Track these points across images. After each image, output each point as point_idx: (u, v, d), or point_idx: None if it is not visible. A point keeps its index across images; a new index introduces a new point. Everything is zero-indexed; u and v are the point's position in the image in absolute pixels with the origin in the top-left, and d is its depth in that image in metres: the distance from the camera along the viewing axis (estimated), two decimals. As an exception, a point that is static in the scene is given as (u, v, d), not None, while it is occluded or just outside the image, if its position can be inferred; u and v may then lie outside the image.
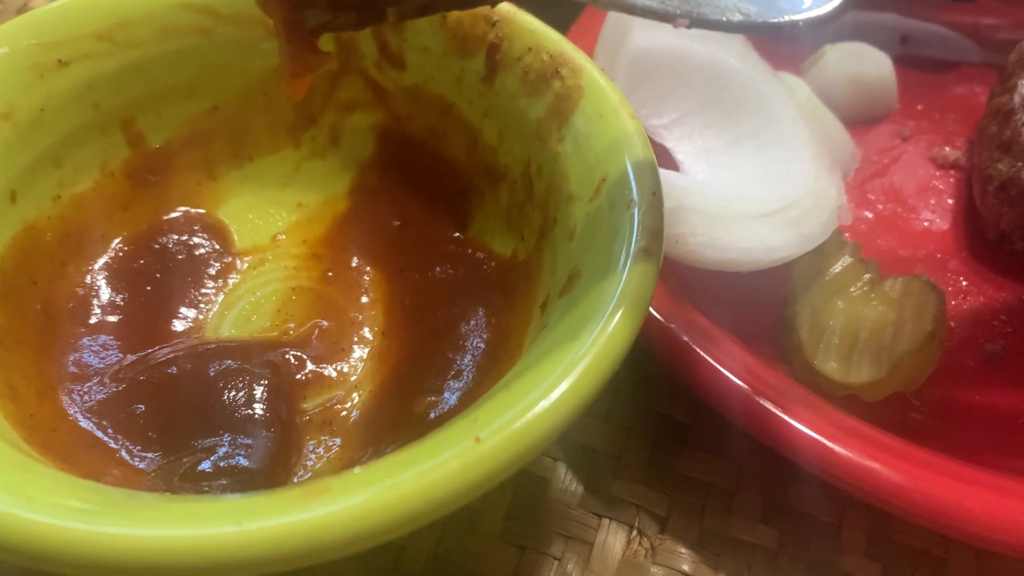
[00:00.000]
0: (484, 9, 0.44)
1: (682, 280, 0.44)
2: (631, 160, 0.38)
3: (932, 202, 0.53)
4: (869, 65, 0.57)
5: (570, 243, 0.39)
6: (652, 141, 0.50)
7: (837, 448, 0.36)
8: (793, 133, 0.49)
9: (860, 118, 0.57)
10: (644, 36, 0.51)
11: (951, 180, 0.54)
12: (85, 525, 0.26)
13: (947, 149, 0.55)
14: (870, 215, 0.52)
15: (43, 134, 0.42)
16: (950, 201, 0.53)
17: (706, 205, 0.43)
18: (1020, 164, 0.48)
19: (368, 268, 0.47)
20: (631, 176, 0.38)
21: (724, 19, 0.32)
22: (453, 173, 0.48)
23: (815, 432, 0.37)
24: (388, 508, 0.27)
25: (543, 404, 0.30)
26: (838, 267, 0.45)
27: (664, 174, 0.44)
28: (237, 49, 0.46)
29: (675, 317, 0.41)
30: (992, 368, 0.46)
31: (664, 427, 0.45)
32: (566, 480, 0.43)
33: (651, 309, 0.42)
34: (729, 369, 0.39)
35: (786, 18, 0.32)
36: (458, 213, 0.47)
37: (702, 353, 0.40)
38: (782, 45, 0.59)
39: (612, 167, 0.38)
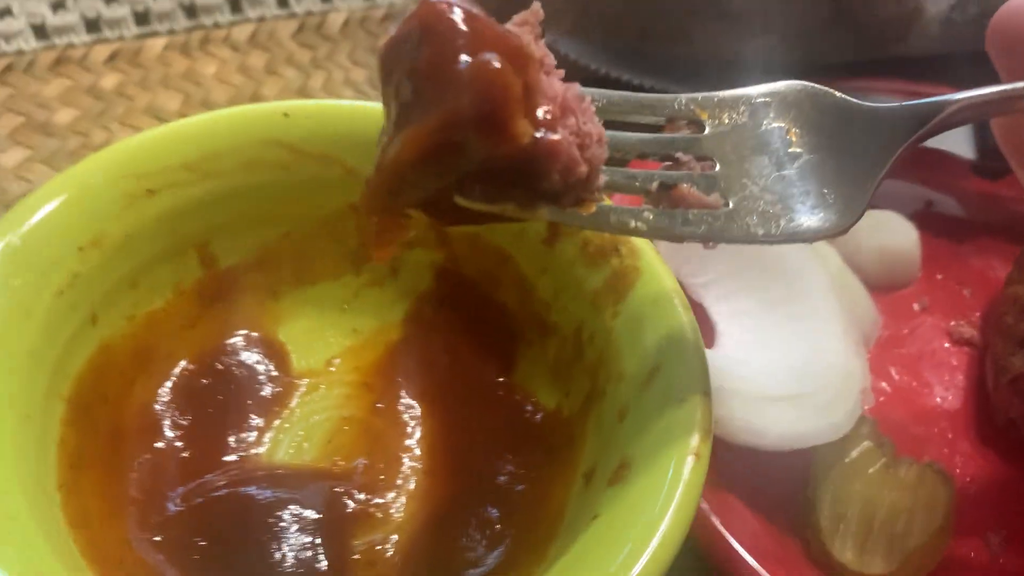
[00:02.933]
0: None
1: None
2: (686, 354, 0.41)
3: (946, 378, 0.56)
4: (898, 236, 0.60)
5: (620, 425, 0.41)
6: (691, 299, 0.54)
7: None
8: (825, 307, 0.52)
9: (882, 284, 0.60)
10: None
11: (964, 357, 0.58)
12: None
13: (963, 325, 0.59)
14: (887, 387, 0.55)
15: (127, 259, 0.45)
16: (961, 378, 0.57)
17: (743, 387, 0.45)
18: (1031, 361, 0.51)
19: (415, 403, 0.49)
20: (685, 371, 0.40)
21: (751, 234, 0.35)
22: (504, 317, 0.50)
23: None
24: None
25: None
26: (857, 452, 0.48)
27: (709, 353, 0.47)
28: (314, 184, 0.49)
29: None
30: (994, 557, 0.49)
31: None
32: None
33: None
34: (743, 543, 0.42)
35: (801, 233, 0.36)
36: (505, 356, 0.50)
37: (718, 525, 0.42)
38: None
39: (666, 358, 0.41)
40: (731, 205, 0.35)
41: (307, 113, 0.48)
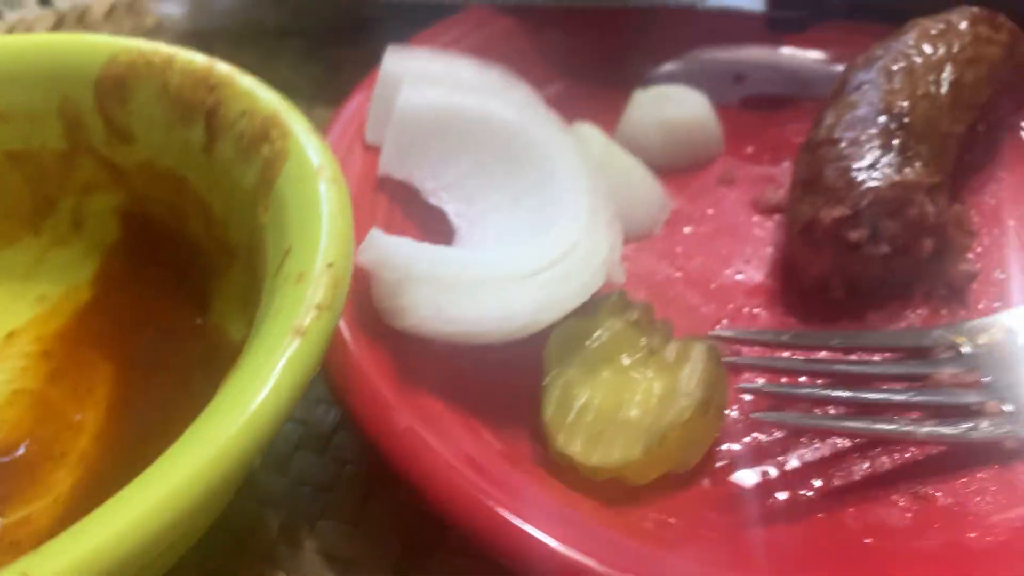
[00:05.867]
0: (204, 72, 0.41)
1: (428, 354, 0.39)
2: (318, 230, 0.34)
3: (748, 251, 0.48)
4: (682, 108, 0.52)
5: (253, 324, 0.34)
6: (430, 204, 0.47)
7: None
8: (570, 187, 0.44)
9: (680, 164, 0.52)
10: (413, 94, 0.47)
11: (772, 226, 0.49)
12: None
13: (771, 190, 0.50)
14: (678, 274, 0.47)
15: None
16: (769, 249, 0.48)
17: (437, 274, 0.38)
18: (821, 202, 0.43)
19: (99, 364, 0.42)
20: (311, 245, 0.33)
21: None
22: (195, 254, 0.44)
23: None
24: None
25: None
26: (603, 334, 0.40)
27: (392, 241, 0.39)
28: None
29: (398, 400, 0.36)
30: (796, 436, 0.40)
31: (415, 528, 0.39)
32: None
33: (382, 391, 0.37)
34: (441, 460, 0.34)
35: None
36: (200, 296, 0.43)
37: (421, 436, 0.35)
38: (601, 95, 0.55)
39: (298, 236, 0.34)
40: (1012, 409, 0.38)
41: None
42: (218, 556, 0.39)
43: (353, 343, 0.38)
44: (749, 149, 0.54)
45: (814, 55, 0.58)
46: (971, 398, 0.39)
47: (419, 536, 0.39)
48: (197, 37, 0.67)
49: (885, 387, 0.41)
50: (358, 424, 0.36)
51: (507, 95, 0.48)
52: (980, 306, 0.45)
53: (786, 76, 0.58)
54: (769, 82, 0.58)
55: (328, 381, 0.38)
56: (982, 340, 0.41)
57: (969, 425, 0.37)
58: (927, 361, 0.41)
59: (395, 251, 0.38)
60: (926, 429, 0.37)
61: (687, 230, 0.49)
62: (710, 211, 0.50)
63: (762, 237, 0.49)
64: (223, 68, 0.41)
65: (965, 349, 0.41)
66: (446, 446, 0.35)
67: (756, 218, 0.50)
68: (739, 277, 0.47)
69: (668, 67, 0.58)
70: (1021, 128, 0.54)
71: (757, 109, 0.57)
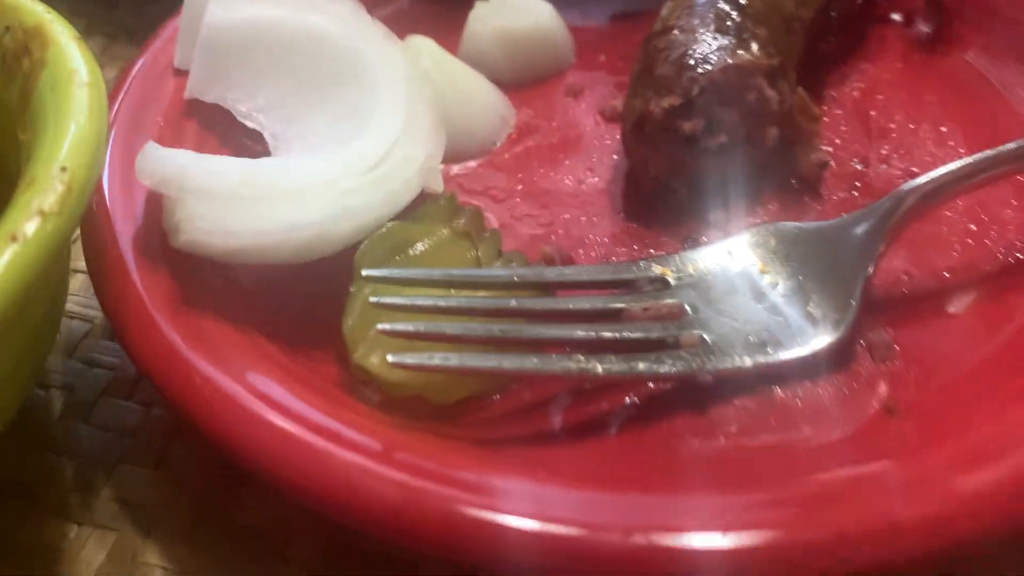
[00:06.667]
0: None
1: (225, 276, 0.36)
2: (62, 131, 0.31)
3: (593, 160, 0.45)
4: (524, 17, 0.49)
5: None
6: (249, 129, 0.43)
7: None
8: (389, 97, 0.41)
9: (526, 78, 0.49)
10: (221, 8, 0.43)
11: (618, 133, 0.46)
12: None
13: (617, 99, 0.47)
14: (518, 186, 0.44)
15: None
16: (615, 157, 0.45)
17: (215, 185, 0.35)
18: (651, 94, 0.40)
19: None
20: (51, 149, 0.31)
21: (738, 365, 0.34)
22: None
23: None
24: None
25: None
26: (426, 243, 0.37)
27: (167, 154, 0.36)
28: None
29: (173, 324, 0.33)
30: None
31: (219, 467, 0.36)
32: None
33: (157, 323, 0.34)
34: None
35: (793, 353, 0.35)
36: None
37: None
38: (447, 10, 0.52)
39: (41, 142, 0.32)
40: (710, 341, 0.35)
41: None
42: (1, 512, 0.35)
43: (136, 271, 0.35)
44: (601, 58, 0.51)
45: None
46: (662, 331, 0.35)
47: (223, 476, 0.36)
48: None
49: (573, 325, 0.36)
50: (134, 362, 0.33)
51: (329, 8, 0.45)
52: (835, 197, 0.42)
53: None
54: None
55: (108, 318, 0.35)
56: (691, 270, 0.37)
57: (658, 360, 0.34)
58: (624, 295, 0.37)
59: (170, 163, 0.35)
60: (606, 365, 0.33)
61: (531, 142, 0.46)
62: (555, 122, 0.47)
63: (609, 145, 0.46)
64: (-10, -22, 0.38)
65: (672, 280, 0.37)
66: (234, 381, 0.32)
67: (603, 127, 0.47)
68: (582, 186, 0.44)
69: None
70: (890, 18, 0.51)
71: (622, 23, 0.54)
